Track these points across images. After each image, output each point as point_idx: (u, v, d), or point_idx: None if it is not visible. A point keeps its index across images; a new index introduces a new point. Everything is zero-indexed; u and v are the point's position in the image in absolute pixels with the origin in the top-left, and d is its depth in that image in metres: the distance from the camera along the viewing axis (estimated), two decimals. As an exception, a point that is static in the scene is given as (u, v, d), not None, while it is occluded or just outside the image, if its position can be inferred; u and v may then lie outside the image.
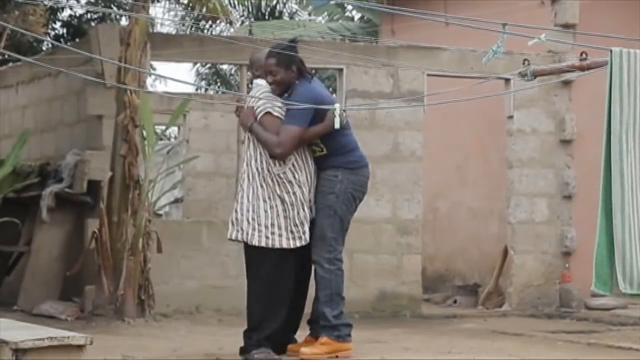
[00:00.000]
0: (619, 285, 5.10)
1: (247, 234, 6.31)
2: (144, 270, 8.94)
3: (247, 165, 6.42)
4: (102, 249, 8.89)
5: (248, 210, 6.32)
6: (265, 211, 6.28)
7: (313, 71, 6.63)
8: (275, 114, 6.33)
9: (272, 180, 6.30)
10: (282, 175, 6.30)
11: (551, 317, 10.24)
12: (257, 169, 6.34)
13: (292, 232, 6.29)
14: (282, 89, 6.44)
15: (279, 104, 6.33)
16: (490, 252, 11.53)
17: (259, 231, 6.28)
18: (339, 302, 6.47)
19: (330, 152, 6.47)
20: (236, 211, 6.37)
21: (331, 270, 6.45)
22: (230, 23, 14.84)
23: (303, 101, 6.21)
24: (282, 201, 6.29)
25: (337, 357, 6.35)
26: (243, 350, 6.37)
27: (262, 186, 6.31)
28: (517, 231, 10.85)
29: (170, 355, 6.71)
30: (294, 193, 6.32)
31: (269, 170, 6.31)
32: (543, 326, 9.27)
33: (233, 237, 6.40)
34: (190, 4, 11.69)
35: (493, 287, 11.13)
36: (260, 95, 6.40)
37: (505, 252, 11.00)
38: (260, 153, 6.34)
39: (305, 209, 6.33)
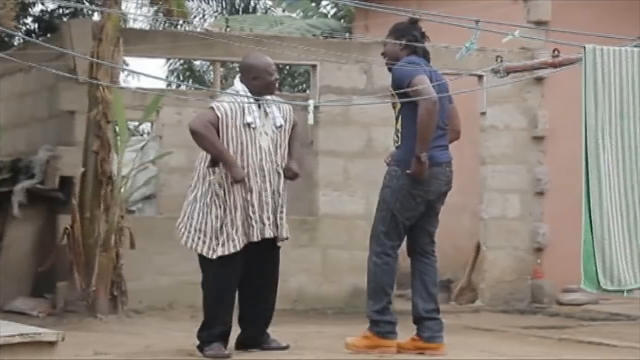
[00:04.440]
0: (599, 281, 5.11)
1: (194, 242, 6.33)
2: (117, 267, 8.90)
3: (199, 175, 6.42)
4: (74, 245, 8.85)
5: (192, 217, 6.35)
6: (211, 220, 6.27)
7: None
8: (214, 108, 6.26)
9: (221, 185, 6.26)
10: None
11: (523, 312, 10.27)
12: (208, 172, 6.34)
13: (233, 239, 6.24)
14: (389, 61, 6.58)
15: (225, 105, 6.24)
16: (463, 247, 11.55)
17: (203, 241, 6.29)
18: (383, 297, 6.39)
19: (402, 144, 6.36)
20: (185, 217, 6.40)
21: (377, 264, 6.43)
22: (188, 23, 14.74)
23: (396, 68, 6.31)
24: (225, 208, 6.25)
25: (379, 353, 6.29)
26: (198, 348, 6.40)
27: (215, 192, 6.28)
28: (489, 227, 10.89)
29: (143, 351, 6.69)
30: (243, 196, 6.26)
31: (221, 177, 6.27)
32: (515, 322, 9.30)
33: (183, 242, 6.42)
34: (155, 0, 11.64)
35: (466, 283, 11.16)
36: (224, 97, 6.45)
37: (478, 248, 11.04)
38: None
39: (254, 211, 6.25)
